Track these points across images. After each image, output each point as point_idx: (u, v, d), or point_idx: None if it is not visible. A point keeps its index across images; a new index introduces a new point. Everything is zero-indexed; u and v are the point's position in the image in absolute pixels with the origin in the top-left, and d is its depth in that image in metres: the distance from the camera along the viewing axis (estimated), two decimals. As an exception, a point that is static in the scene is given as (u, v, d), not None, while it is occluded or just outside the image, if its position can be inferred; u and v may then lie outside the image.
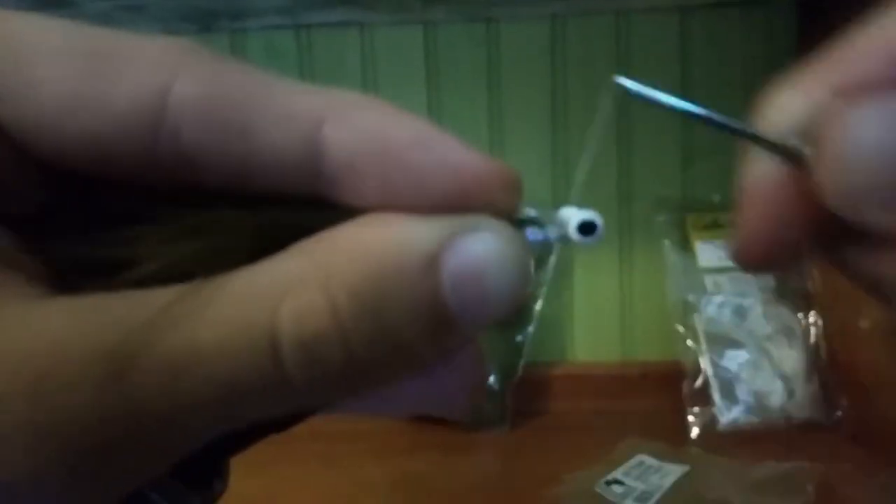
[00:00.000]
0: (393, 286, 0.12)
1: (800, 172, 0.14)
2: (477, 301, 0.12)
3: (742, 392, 0.60)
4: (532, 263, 0.13)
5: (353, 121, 0.13)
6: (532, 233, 0.14)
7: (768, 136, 0.15)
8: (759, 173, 0.15)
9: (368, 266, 0.12)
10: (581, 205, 0.14)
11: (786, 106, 0.15)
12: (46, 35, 0.12)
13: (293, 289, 0.12)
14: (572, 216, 0.14)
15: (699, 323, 0.63)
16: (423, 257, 0.12)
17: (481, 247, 0.12)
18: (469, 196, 0.13)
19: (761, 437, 0.58)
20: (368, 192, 0.13)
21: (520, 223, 0.14)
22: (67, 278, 0.12)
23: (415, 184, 0.13)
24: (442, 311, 0.12)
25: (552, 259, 0.65)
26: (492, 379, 0.63)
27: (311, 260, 0.12)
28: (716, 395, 0.60)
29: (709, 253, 0.65)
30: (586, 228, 0.14)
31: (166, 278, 0.12)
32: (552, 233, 0.14)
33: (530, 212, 0.14)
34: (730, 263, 0.65)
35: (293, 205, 0.13)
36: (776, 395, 0.60)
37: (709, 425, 0.60)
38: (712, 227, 0.66)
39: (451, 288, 0.12)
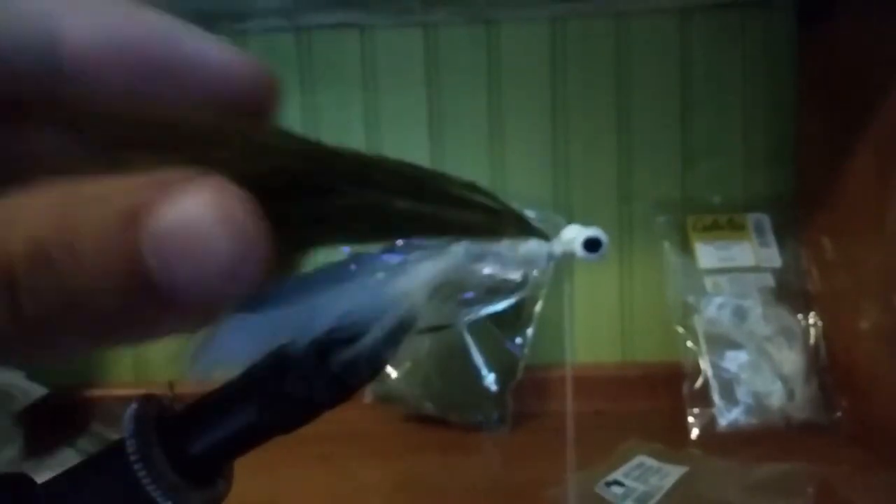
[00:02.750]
0: (86, 243, 0.11)
1: None
2: (185, 264, 0.11)
3: (742, 393, 0.60)
4: (256, 227, 0.11)
5: (93, 14, 0.12)
6: (537, 245, 0.14)
7: None
8: None
9: (61, 219, 0.11)
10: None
11: None
12: None
13: None
14: (578, 233, 0.14)
15: (699, 324, 0.63)
16: (119, 214, 0.11)
17: (189, 206, 0.11)
18: (221, 91, 0.12)
19: (761, 438, 0.58)
20: (115, 89, 0.12)
21: (528, 233, 0.14)
22: None
23: (160, 77, 0.12)
24: (141, 272, 0.11)
25: (552, 262, 0.65)
26: (492, 380, 0.63)
27: (23, 202, 0.11)
28: (715, 397, 0.60)
29: (708, 254, 0.65)
30: (591, 245, 0.14)
31: None
32: (556, 247, 0.14)
33: (536, 223, 0.14)
34: (729, 264, 0.66)
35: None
36: (776, 396, 0.60)
37: (709, 426, 0.60)
38: (712, 229, 0.66)
39: (153, 249, 0.11)
